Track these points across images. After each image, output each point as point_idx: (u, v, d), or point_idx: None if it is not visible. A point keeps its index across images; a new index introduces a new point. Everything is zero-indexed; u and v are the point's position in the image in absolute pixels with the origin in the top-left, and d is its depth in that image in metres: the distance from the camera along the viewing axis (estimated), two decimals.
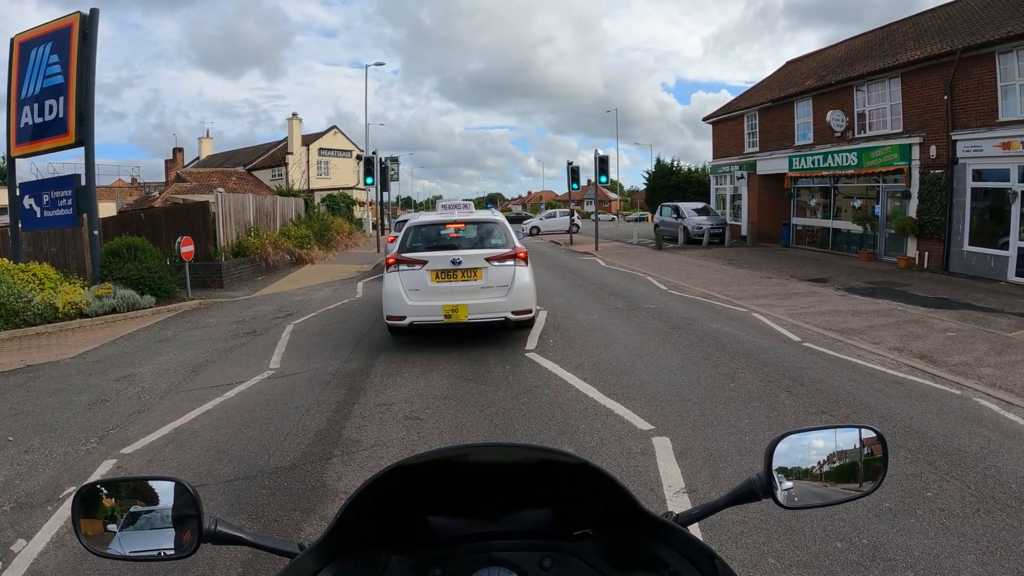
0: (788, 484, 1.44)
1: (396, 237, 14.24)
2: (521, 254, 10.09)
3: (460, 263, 9.83)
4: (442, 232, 10.63)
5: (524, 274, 10.01)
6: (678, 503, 4.79)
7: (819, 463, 1.48)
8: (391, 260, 10.17)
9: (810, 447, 1.48)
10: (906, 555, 4.04)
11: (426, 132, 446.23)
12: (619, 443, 6.11)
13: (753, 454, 5.71)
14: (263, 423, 6.96)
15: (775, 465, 1.44)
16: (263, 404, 7.68)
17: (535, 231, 47.68)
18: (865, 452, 1.50)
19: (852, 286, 16.71)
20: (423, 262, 9.86)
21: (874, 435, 1.50)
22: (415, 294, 9.80)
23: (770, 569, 3.93)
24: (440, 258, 9.89)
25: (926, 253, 20.46)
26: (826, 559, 4.01)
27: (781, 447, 1.45)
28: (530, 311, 10.13)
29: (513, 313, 9.84)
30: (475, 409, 7.23)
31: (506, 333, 10.76)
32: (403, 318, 9.81)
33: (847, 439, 1.50)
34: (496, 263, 9.89)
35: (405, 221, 16.90)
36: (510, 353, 9.69)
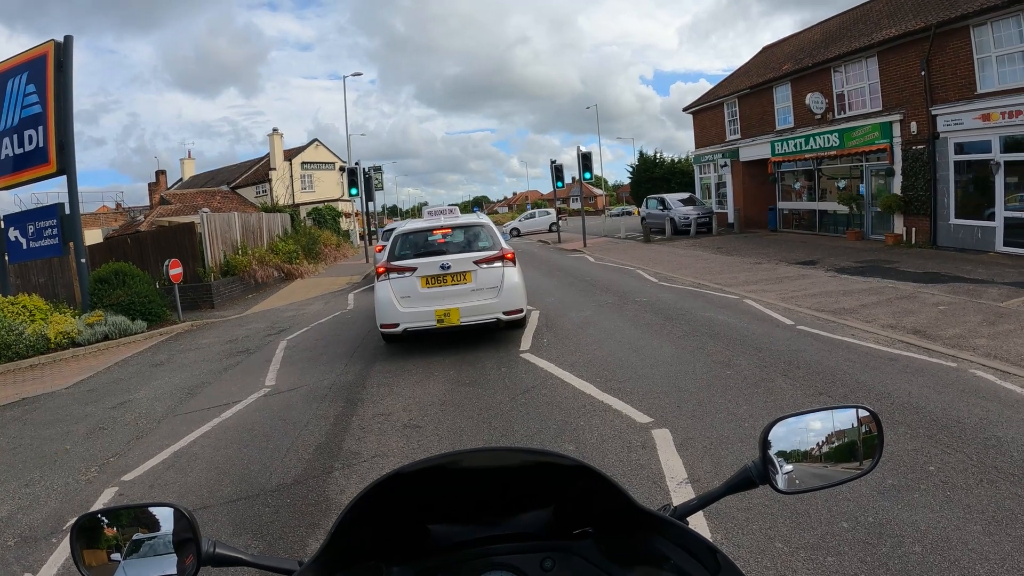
0: (788, 468, 1.44)
1: (384, 246, 14.26)
2: (509, 255, 10.20)
3: (449, 267, 9.91)
4: (429, 238, 10.75)
5: (513, 274, 10.10)
6: (681, 494, 4.79)
7: (817, 444, 1.48)
8: (381, 269, 10.23)
9: (807, 429, 1.49)
10: (912, 530, 4.05)
11: (407, 140, 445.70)
12: (619, 438, 6.11)
13: (753, 440, 5.67)
14: (262, 441, 6.94)
15: (774, 449, 1.44)
16: (261, 422, 7.66)
17: (515, 233, 47.35)
18: (863, 430, 1.50)
19: (842, 266, 16.77)
20: (412, 269, 9.94)
21: (868, 413, 1.51)
22: (407, 301, 9.88)
23: (778, 553, 3.94)
24: (429, 264, 9.99)
25: (913, 229, 20.53)
26: (833, 539, 4.02)
27: (777, 431, 1.45)
28: (521, 310, 10.22)
29: (504, 313, 9.94)
30: (473, 413, 7.22)
31: (500, 335, 10.78)
32: (396, 325, 9.89)
33: (844, 419, 1.51)
34: (484, 265, 9.96)
35: (392, 230, 16.91)
36: (505, 355, 9.70)
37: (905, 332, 9.41)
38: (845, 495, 4.44)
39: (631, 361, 8.85)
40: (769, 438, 1.45)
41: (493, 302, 9.91)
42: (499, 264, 10.04)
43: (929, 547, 3.86)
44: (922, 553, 3.80)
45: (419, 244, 10.67)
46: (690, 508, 1.48)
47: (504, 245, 10.44)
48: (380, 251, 15.67)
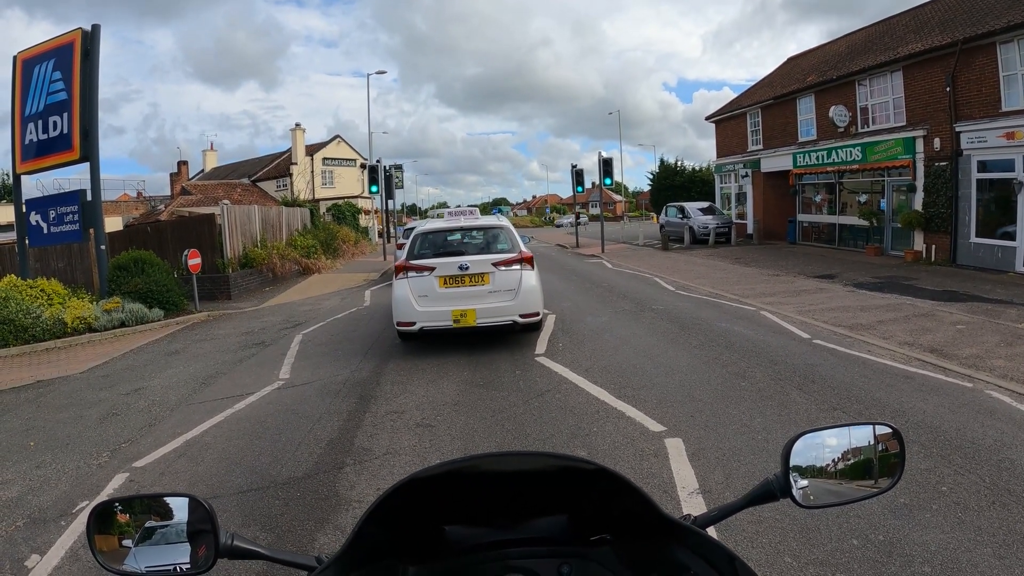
0: (804, 483, 1.44)
1: (404, 244, 14.35)
2: (527, 258, 10.20)
3: (467, 268, 9.94)
4: (449, 238, 10.89)
5: (531, 278, 10.12)
6: (692, 504, 4.78)
7: (833, 461, 1.47)
8: (400, 267, 10.27)
9: (824, 445, 1.48)
10: (922, 550, 4.02)
11: (427, 139, 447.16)
12: (631, 445, 6.09)
13: (766, 453, 5.70)
14: (274, 434, 6.97)
15: (791, 464, 1.43)
16: (274, 415, 7.69)
17: None
18: (880, 448, 1.49)
19: (860, 281, 16.66)
20: (431, 268, 9.99)
21: (889, 431, 1.50)
22: (424, 300, 9.92)
23: (787, 568, 3.92)
24: (448, 264, 10.03)
25: (933, 246, 20.39)
26: (843, 556, 4.00)
27: (797, 446, 1.44)
28: (537, 314, 10.23)
29: (521, 316, 9.95)
30: (486, 415, 7.22)
31: (515, 337, 10.78)
32: (413, 324, 9.93)
33: (861, 436, 1.50)
34: (503, 267, 9.99)
35: (413, 228, 17.00)
36: (520, 357, 9.69)
37: (922, 350, 9.34)
38: (856, 512, 4.41)
39: (646, 369, 8.83)
40: (791, 453, 1.44)
41: (510, 304, 9.92)
42: (517, 267, 10.06)
43: (939, 568, 3.83)
44: (932, 574, 3.78)
45: (438, 244, 10.76)
46: (710, 518, 1.48)
47: (523, 248, 10.46)
48: (402, 248, 15.78)
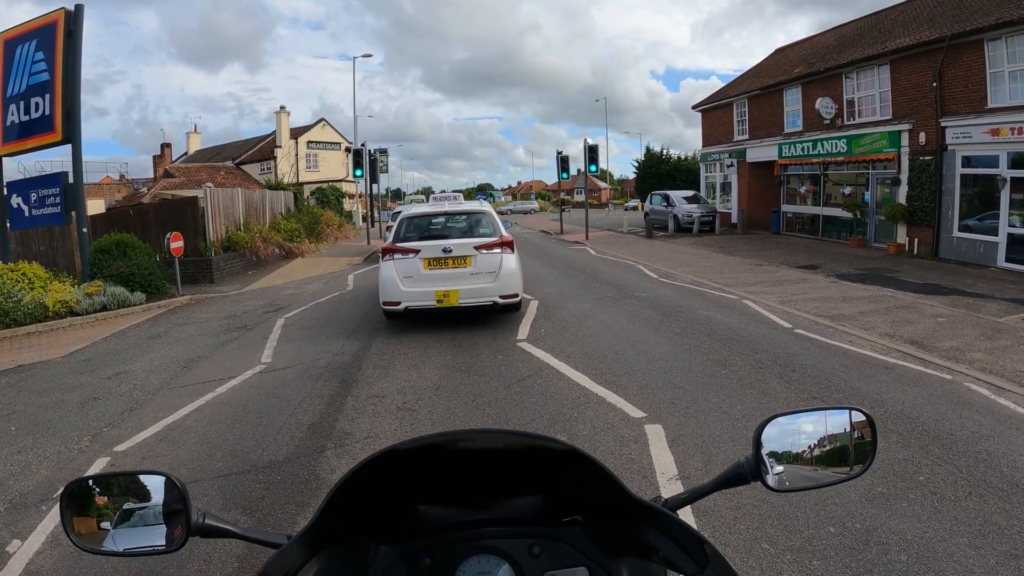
0: (779, 468, 1.43)
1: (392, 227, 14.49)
2: (508, 242, 10.57)
3: (451, 251, 10.28)
4: (434, 222, 11.31)
5: (511, 260, 10.48)
6: (671, 490, 4.79)
7: (809, 447, 1.47)
8: (386, 249, 10.56)
9: (799, 430, 1.48)
10: (899, 539, 4.06)
11: (413, 123, 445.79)
12: (612, 431, 6.12)
13: (745, 440, 5.72)
14: (256, 417, 6.96)
15: (765, 449, 1.43)
16: (255, 398, 7.67)
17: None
18: (855, 435, 1.49)
19: (842, 272, 16.75)
20: (416, 251, 10.33)
21: (864, 418, 1.50)
22: (409, 281, 10.27)
23: (763, 554, 3.95)
24: (432, 247, 10.37)
25: (916, 239, 20.50)
26: (819, 543, 4.03)
27: (770, 430, 1.44)
28: (517, 295, 10.61)
29: (501, 297, 10.35)
30: (467, 399, 7.24)
31: (497, 322, 10.85)
32: (398, 303, 10.30)
33: (837, 422, 1.49)
34: (484, 251, 10.36)
35: (400, 212, 17.10)
36: (502, 343, 9.72)
37: (902, 342, 9.42)
38: (833, 500, 4.46)
39: (627, 355, 8.86)
40: (762, 436, 1.44)
41: (491, 286, 10.27)
42: (498, 250, 10.42)
43: (915, 556, 3.87)
44: (907, 562, 3.82)
45: (423, 227, 11.16)
46: (681, 501, 1.48)
47: (504, 233, 10.80)
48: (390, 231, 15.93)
